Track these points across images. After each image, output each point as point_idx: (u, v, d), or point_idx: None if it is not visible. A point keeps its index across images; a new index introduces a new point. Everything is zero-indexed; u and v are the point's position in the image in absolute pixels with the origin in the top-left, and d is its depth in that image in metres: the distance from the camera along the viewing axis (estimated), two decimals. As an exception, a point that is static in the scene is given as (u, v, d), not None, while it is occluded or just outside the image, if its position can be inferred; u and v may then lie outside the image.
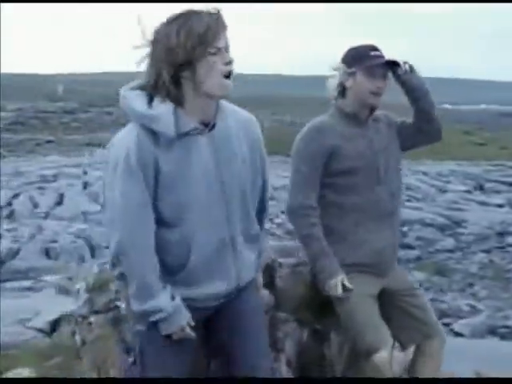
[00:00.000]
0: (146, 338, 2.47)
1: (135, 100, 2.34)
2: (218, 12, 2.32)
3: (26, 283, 7.61)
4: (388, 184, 3.26)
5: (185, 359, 2.51)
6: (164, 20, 2.32)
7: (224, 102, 2.45)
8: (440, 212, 13.49)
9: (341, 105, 3.27)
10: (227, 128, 2.42)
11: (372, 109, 3.27)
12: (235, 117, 2.48)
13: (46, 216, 12.55)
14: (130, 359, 3.09)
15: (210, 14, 2.30)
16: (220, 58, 2.30)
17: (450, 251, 10.77)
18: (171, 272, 2.40)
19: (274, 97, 47.33)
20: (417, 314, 3.26)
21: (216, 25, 2.29)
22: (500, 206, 14.13)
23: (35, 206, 13.48)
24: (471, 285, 9.23)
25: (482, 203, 14.27)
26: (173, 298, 2.37)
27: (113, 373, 3.10)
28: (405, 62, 3.24)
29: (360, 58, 3.21)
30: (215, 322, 2.57)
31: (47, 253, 10.24)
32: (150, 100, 2.33)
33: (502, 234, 11.95)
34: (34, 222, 11.81)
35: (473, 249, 11.05)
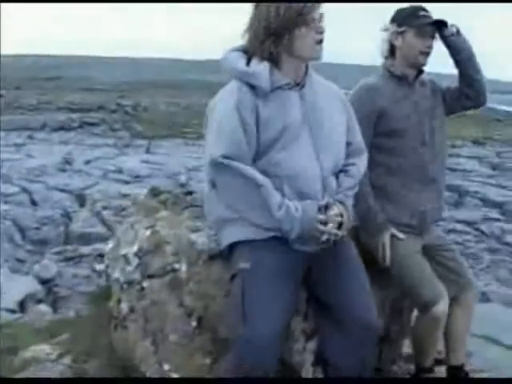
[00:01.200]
0: (249, 277, 2.56)
1: (236, 60, 2.67)
2: None
3: (-31, 263, 7.18)
4: (432, 147, 3.33)
5: (284, 301, 2.54)
6: None
7: (311, 71, 2.78)
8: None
9: (390, 66, 3.31)
10: (314, 88, 2.75)
11: (420, 71, 3.31)
12: (320, 82, 2.82)
13: (-38, 197, 11.85)
14: (193, 323, 2.98)
15: None
16: (314, 27, 2.63)
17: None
18: None
19: (170, 81, 46.81)
20: (454, 267, 3.39)
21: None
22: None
23: None
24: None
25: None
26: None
27: (172, 338, 2.96)
28: (452, 25, 3.30)
29: (410, 18, 3.27)
30: (313, 272, 2.69)
31: (-26, 235, 9.67)
32: (249, 61, 2.66)
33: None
34: (-49, 204, 11.13)
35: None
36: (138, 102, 31.08)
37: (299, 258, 2.62)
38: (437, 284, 3.19)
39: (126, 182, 14.88)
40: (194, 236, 2.99)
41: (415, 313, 3.38)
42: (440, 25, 3.28)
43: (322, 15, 2.65)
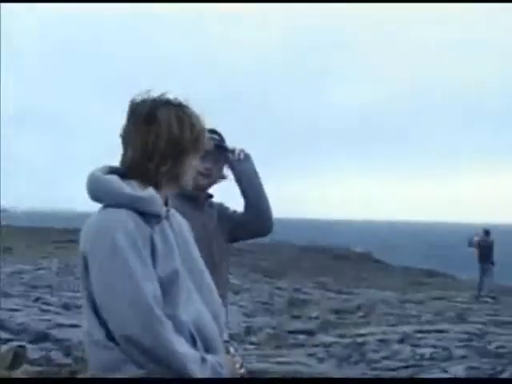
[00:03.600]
0: None
1: (117, 183, 2.25)
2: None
3: None
4: (220, 271, 3.24)
5: None
6: (159, 99, 2.31)
7: None
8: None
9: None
10: (175, 217, 2.47)
11: (209, 195, 3.39)
12: (173, 211, 2.54)
13: None
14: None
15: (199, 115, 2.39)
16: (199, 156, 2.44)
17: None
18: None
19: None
20: None
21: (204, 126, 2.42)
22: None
23: None
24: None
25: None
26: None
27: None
28: (241, 150, 3.34)
29: None
30: None
31: None
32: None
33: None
34: None
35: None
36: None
37: None
38: None
39: None
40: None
41: None
42: (223, 149, 3.30)
43: None
